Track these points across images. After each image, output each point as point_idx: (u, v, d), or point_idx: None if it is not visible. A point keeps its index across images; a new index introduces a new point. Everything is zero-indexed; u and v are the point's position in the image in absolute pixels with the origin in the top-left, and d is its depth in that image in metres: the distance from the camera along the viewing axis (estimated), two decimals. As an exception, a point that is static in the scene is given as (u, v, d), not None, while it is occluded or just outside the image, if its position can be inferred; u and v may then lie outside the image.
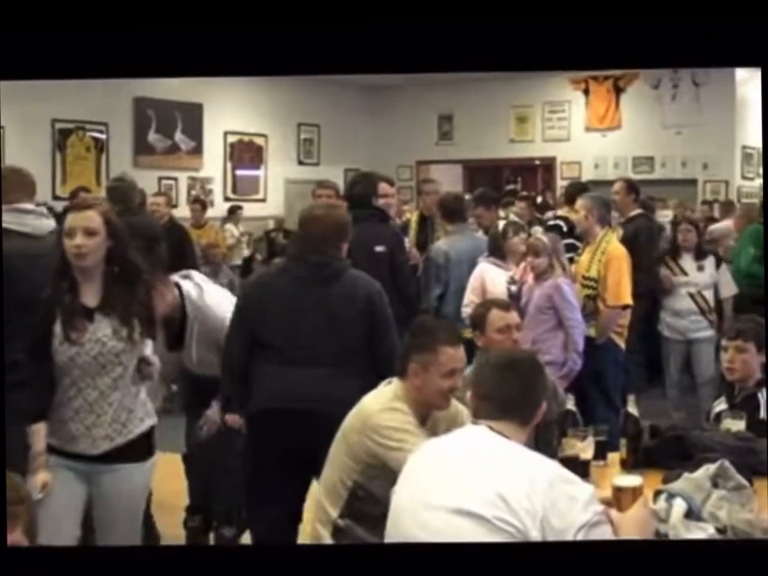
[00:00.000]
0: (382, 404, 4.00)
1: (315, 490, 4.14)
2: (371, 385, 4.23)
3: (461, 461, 3.16)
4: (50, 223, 4.90)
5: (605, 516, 3.02)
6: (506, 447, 3.15)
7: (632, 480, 3.52)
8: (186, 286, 5.17)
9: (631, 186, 9.01)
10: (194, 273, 5.45)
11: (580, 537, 2.92)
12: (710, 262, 8.40)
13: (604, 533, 2.99)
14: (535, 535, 2.92)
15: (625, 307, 7.03)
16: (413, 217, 9.32)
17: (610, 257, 7.01)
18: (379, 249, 7.06)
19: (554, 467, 3.12)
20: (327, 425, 4.14)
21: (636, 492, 3.44)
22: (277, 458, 4.73)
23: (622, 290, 6.98)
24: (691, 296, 8.27)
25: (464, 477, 3.09)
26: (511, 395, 3.26)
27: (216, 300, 5.25)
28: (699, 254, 8.41)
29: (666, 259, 8.50)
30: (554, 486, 2.97)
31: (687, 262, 8.37)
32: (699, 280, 8.31)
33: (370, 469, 3.89)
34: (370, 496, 3.88)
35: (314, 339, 4.76)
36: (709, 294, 8.31)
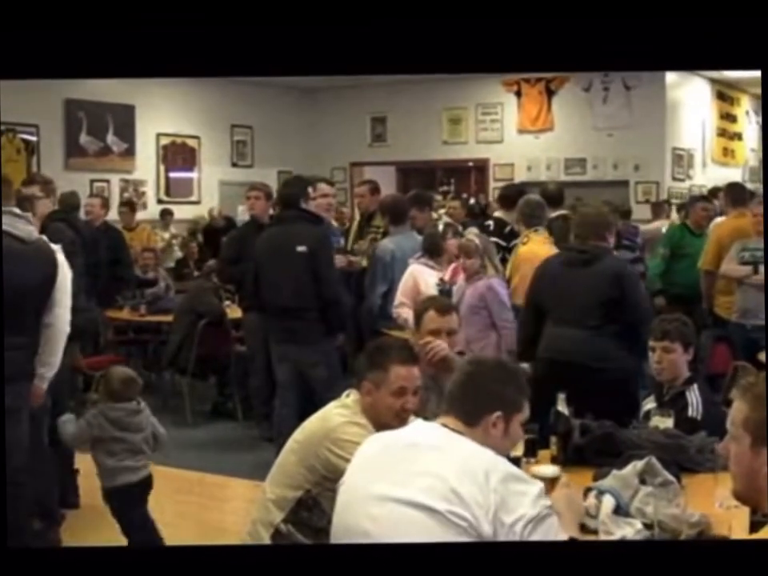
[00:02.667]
0: (346, 417, 3.98)
1: (262, 488, 4.12)
2: (624, 345, 5.77)
3: (411, 453, 3.15)
4: (35, 230, 5.22)
5: (552, 510, 3.05)
6: (456, 441, 3.15)
7: (551, 470, 3.57)
8: None
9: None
10: None
11: (528, 530, 2.94)
12: None
13: (551, 525, 3.02)
14: (487, 529, 2.93)
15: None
16: (354, 221, 9.39)
17: (519, 258, 7.07)
18: (300, 249, 7.11)
19: (505, 464, 3.12)
20: (588, 373, 5.63)
21: (554, 483, 3.51)
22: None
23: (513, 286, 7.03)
24: None
25: (415, 469, 3.08)
26: (452, 390, 3.28)
27: None
28: None
29: None
30: (505, 483, 2.98)
31: None
32: None
33: (325, 481, 3.84)
34: (319, 508, 3.87)
35: (578, 307, 5.88)
36: None
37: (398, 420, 3.92)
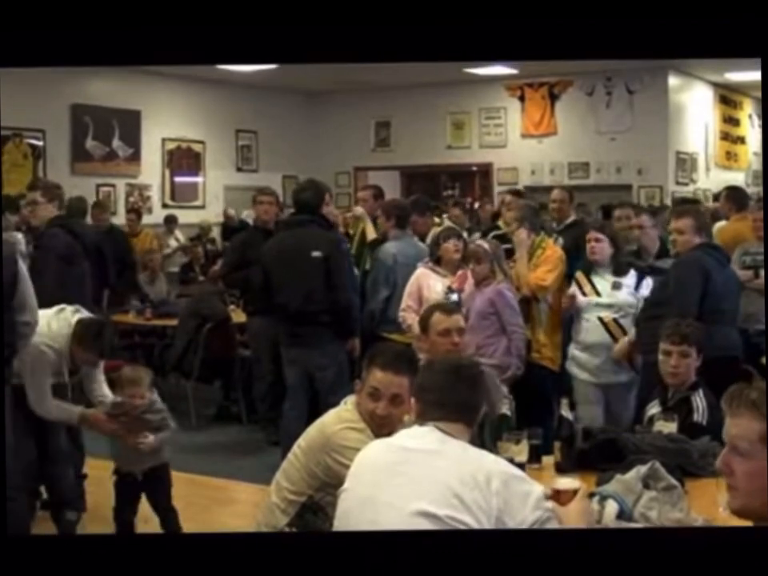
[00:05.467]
0: (346, 423, 3.99)
1: (267, 492, 4.15)
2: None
3: (410, 458, 3.17)
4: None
5: (552, 513, 3.08)
6: (456, 445, 3.17)
7: (571, 483, 3.60)
8: None
9: (571, 195, 9.13)
10: None
11: None
12: (629, 279, 6.85)
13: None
14: None
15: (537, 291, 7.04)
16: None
17: (546, 255, 7.09)
18: (316, 254, 7.13)
19: (507, 466, 3.17)
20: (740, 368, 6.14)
21: (574, 494, 3.54)
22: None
23: (544, 275, 7.04)
24: (602, 323, 6.77)
25: (415, 475, 3.10)
26: (458, 400, 3.28)
27: None
28: (617, 269, 6.86)
29: (576, 276, 7.00)
30: (507, 485, 3.02)
31: (601, 278, 6.88)
32: (614, 301, 6.78)
33: (327, 487, 3.86)
34: (323, 512, 3.88)
35: (730, 305, 6.47)
36: (627, 321, 6.74)
37: (375, 425, 3.94)
